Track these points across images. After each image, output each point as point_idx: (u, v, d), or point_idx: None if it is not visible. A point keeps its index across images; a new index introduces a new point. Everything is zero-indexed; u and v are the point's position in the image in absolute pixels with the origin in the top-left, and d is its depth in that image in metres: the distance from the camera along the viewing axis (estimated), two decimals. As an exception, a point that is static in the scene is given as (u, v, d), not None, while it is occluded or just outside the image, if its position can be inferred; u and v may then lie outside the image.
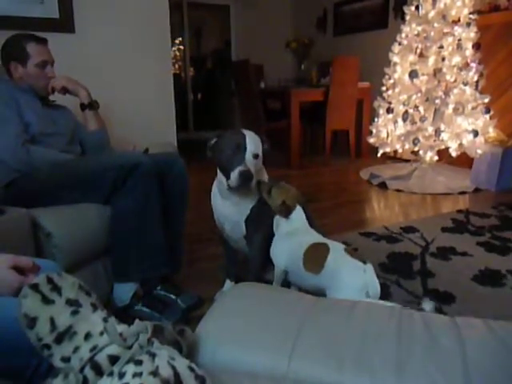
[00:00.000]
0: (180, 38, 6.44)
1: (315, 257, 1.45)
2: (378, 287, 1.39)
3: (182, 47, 6.53)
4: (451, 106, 3.40)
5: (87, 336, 0.71)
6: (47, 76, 1.85)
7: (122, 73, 2.75)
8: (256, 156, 1.52)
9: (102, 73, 2.64)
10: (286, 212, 1.53)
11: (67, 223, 1.57)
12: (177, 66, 6.62)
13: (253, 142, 1.52)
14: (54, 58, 1.89)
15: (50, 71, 1.86)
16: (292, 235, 1.53)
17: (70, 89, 1.92)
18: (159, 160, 1.74)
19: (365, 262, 1.40)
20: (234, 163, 1.49)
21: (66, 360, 0.71)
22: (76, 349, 0.71)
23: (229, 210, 1.64)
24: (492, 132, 3.51)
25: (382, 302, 1.33)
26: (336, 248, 1.46)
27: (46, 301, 0.73)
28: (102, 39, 2.66)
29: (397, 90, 3.66)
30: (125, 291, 1.67)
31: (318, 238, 1.54)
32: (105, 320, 0.75)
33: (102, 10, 2.63)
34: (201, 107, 6.86)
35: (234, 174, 1.48)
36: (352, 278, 1.37)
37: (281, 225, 1.56)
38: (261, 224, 1.63)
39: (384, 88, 3.84)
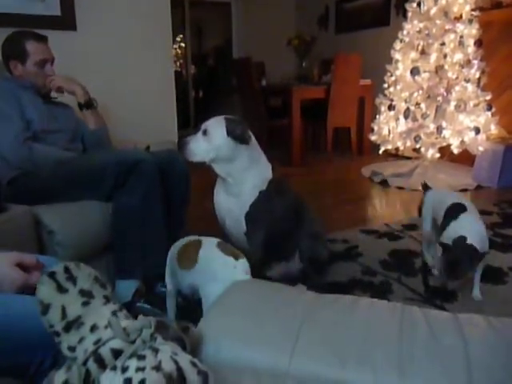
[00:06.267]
0: (181, 36, 6.42)
1: (188, 252, 1.42)
2: None
3: (183, 45, 6.52)
4: (453, 103, 3.39)
5: (93, 328, 0.73)
6: (46, 74, 1.85)
7: (124, 70, 2.75)
8: (204, 132, 1.58)
9: (104, 70, 2.64)
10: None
11: (69, 220, 1.57)
12: (178, 63, 6.61)
13: (210, 122, 1.61)
14: (56, 55, 1.89)
15: (49, 69, 1.86)
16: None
17: (65, 88, 1.91)
18: (161, 157, 1.74)
19: (237, 258, 1.31)
20: None
21: (72, 349, 0.72)
22: (81, 339, 0.72)
23: (230, 202, 1.66)
24: (494, 129, 3.50)
25: None
26: (208, 243, 1.40)
27: (61, 289, 0.75)
28: (104, 37, 2.66)
29: (398, 87, 3.64)
30: (127, 288, 1.67)
31: (187, 238, 1.48)
32: (114, 313, 0.75)
33: (103, 8, 2.63)
34: (202, 105, 6.85)
35: None
36: (222, 273, 1.28)
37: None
38: (261, 221, 1.64)
39: (386, 85, 3.83)
